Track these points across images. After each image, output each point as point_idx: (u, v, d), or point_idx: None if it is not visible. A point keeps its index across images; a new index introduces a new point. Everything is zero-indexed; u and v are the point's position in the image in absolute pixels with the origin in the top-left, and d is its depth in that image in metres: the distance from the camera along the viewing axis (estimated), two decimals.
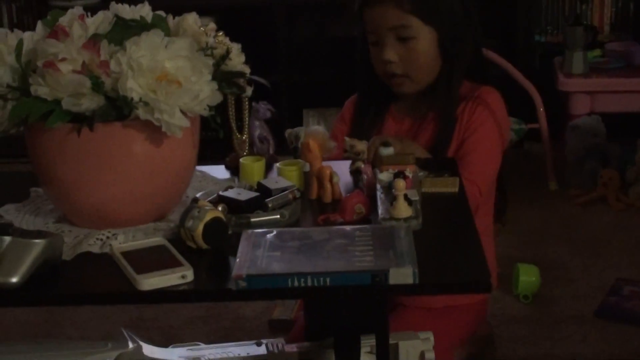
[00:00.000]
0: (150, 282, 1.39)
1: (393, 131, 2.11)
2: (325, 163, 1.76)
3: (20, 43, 1.55)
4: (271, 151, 1.89)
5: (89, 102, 1.47)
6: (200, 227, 1.48)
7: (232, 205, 1.61)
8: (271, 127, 1.92)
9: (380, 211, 1.60)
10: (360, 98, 2.21)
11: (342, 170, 1.82)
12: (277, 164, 1.81)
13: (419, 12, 2.01)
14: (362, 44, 2.13)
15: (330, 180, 1.72)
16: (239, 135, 1.80)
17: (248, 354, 1.73)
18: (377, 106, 2.16)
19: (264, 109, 1.91)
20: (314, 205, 1.72)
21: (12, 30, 1.58)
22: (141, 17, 1.57)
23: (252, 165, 1.81)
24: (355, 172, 1.83)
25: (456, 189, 1.74)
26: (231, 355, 1.73)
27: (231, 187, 1.69)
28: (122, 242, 1.54)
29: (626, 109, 4.07)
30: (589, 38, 4.14)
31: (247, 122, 1.80)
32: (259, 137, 1.90)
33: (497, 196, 2.14)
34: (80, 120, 1.48)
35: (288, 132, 1.96)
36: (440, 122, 2.06)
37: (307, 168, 1.83)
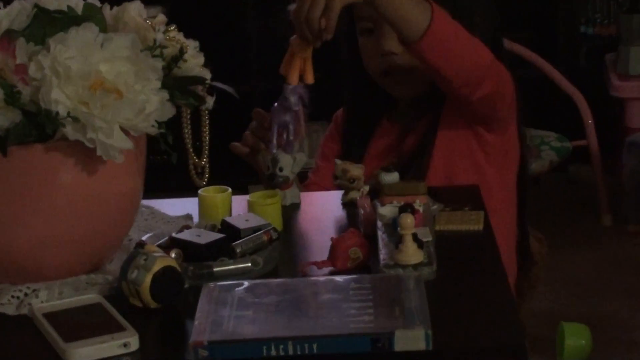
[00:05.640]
0: (83, 352, 1.38)
1: (382, 145, 2.12)
2: (316, 195, 1.76)
3: None
4: (291, 137, 1.89)
5: (2, 119, 1.47)
6: (148, 280, 1.47)
7: (189, 251, 1.60)
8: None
9: (382, 256, 1.60)
10: (348, 107, 2.23)
11: (332, 202, 1.82)
12: (248, 197, 1.81)
13: None
14: (348, 39, 2.15)
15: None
16: (197, 160, 1.80)
17: None
18: (368, 117, 2.19)
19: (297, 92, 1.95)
20: (296, 249, 1.72)
21: None
22: (69, 7, 1.57)
23: (215, 198, 1.81)
24: (349, 205, 1.83)
25: (480, 227, 1.74)
26: None
27: (188, 227, 1.69)
28: (46, 300, 1.53)
29: None
30: None
31: (207, 143, 1.80)
32: (279, 124, 1.92)
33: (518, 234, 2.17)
34: None
35: (262, 154, 1.96)
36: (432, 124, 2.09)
37: (287, 202, 1.83)
